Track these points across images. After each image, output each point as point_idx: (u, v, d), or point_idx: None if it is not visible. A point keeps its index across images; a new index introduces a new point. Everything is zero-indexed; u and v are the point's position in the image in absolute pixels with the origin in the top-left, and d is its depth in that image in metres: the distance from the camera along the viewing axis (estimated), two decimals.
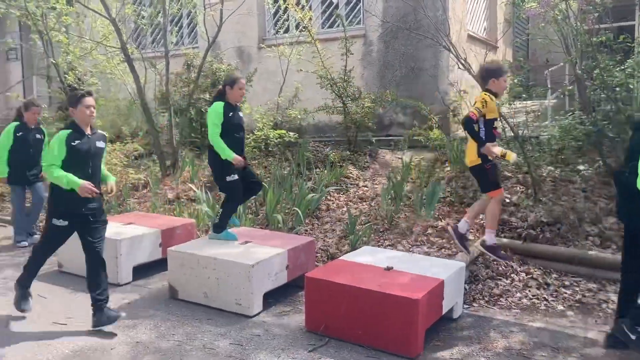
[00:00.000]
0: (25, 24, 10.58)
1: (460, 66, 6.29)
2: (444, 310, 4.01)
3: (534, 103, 8.42)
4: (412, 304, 3.56)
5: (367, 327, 3.73)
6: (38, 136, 6.64)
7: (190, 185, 7.49)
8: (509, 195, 5.92)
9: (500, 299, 4.56)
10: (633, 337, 3.44)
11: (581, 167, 6.01)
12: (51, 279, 5.26)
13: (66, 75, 9.12)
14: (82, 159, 4.02)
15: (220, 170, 4.95)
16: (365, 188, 6.93)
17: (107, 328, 4.02)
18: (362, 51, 9.06)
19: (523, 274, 4.87)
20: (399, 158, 7.57)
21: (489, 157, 4.51)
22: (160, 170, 8.23)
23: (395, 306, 3.61)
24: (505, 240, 5.25)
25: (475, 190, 6.17)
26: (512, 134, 6.10)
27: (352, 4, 9.58)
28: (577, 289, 4.67)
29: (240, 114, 5.09)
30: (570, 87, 7.48)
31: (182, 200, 7.21)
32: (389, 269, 4.12)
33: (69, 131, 4.03)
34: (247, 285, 4.31)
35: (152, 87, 9.23)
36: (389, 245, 5.50)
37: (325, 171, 7.23)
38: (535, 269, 4.92)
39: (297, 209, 6.19)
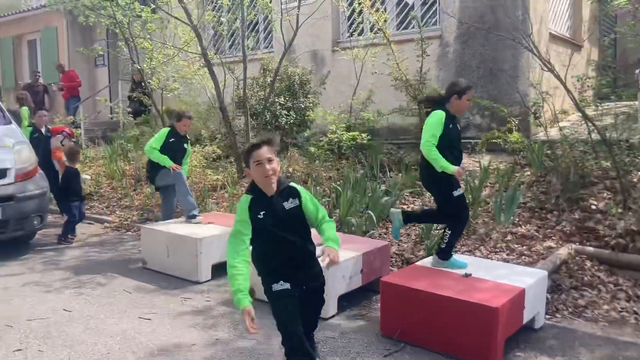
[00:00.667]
0: (112, 32, 11.16)
1: (543, 67, 6.05)
2: (525, 320, 3.86)
3: (623, 104, 7.97)
4: (492, 312, 3.45)
5: (445, 335, 3.65)
6: (185, 146, 6.57)
7: None
8: (595, 202, 5.64)
9: (586, 310, 4.34)
10: None
11: None
12: (135, 276, 5.50)
13: (150, 81, 9.52)
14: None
15: (445, 186, 4.26)
16: None
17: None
18: (438, 52, 8.92)
19: (611, 285, 4.61)
20: (476, 161, 7.38)
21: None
22: (237, 172, 8.43)
23: (474, 314, 3.52)
24: (591, 249, 5.00)
25: (558, 196, 5.93)
26: (600, 137, 5.81)
27: (427, 5, 9.45)
28: None
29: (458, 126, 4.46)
30: None
31: None
32: (467, 275, 4.02)
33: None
34: None
35: (230, 92, 9.49)
36: (467, 251, 5.37)
37: (400, 174, 7.15)
38: (625, 280, 4.65)
39: (370, 212, 6.17)
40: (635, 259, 4.77)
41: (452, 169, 4.14)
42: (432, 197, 4.78)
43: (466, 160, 7.75)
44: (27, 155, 6.43)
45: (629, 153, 6.11)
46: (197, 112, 10.63)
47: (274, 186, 2.88)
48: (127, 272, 5.61)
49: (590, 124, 5.74)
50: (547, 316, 4.26)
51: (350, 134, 8.05)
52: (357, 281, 4.65)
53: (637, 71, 7.91)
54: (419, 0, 9.62)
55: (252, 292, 4.79)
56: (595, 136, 5.99)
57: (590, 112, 6.13)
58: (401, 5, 9.85)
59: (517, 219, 5.79)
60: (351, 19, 9.92)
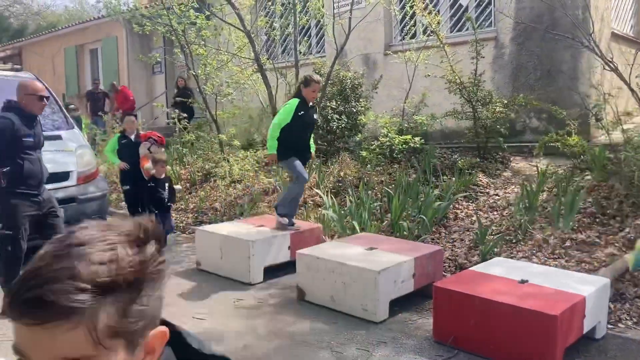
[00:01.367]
0: (168, 40, 11.48)
1: (605, 67, 5.82)
2: (586, 329, 3.71)
3: None
4: (550, 320, 3.34)
5: (500, 342, 3.55)
6: (315, 117, 6.16)
7: (316, 190, 7.64)
8: None
9: None
10: None
11: None
12: (190, 276, 5.61)
13: (204, 86, 9.72)
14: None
15: None
16: (497, 197, 6.64)
17: None
18: (493, 54, 8.73)
19: None
20: (534, 165, 7.17)
21: None
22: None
23: (532, 322, 3.40)
24: None
25: (621, 202, 5.68)
26: None
27: (482, 6, 9.28)
28: None
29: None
30: None
31: (309, 204, 7.37)
32: (523, 282, 3.90)
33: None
34: (374, 292, 4.29)
35: (282, 96, 9.58)
36: (523, 257, 5.21)
37: (453, 178, 7.03)
38: None
39: (423, 216, 6.08)
40: None
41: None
42: None
43: (523, 164, 7.55)
44: (88, 159, 6.67)
45: None
46: (249, 116, 10.79)
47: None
48: (182, 273, 5.73)
49: None
50: (609, 326, 4.08)
51: (402, 137, 7.97)
52: (409, 286, 4.59)
53: None
54: (473, 1, 9.46)
55: (303, 295, 4.82)
56: None
57: None
58: (455, 7, 9.70)
59: (577, 225, 5.58)
60: (403, 22, 9.84)
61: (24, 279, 0.73)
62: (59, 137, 6.64)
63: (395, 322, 4.33)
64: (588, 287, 3.81)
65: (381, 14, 9.74)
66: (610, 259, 4.85)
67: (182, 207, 8.63)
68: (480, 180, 7.07)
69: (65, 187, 6.20)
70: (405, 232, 5.97)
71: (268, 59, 10.02)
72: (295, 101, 5.63)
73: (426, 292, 4.62)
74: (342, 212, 6.56)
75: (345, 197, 7.23)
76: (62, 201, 6.11)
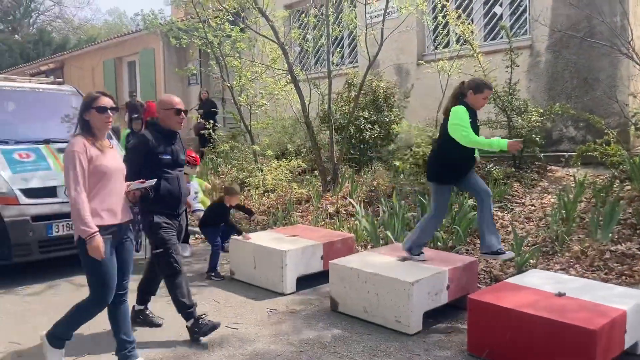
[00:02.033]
0: (204, 52, 11.68)
1: None
2: (627, 345, 3.61)
3: None
4: (589, 334, 3.26)
5: (537, 357, 3.48)
6: (478, 124, 5.01)
7: (349, 200, 7.65)
8: None
9: None
10: None
11: None
12: (224, 286, 5.67)
13: (239, 97, 9.85)
14: None
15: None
16: (532, 207, 6.53)
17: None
18: (528, 63, 8.63)
19: None
20: (571, 175, 7.03)
21: None
22: (321, 186, 8.52)
23: (570, 336, 3.33)
24: None
25: None
26: None
27: (517, 15, 9.19)
28: None
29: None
30: None
31: (341, 214, 7.38)
32: (561, 294, 3.82)
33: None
34: (407, 303, 4.27)
35: (315, 106, 9.64)
36: (560, 269, 5.11)
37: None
38: None
39: (457, 227, 6.02)
40: None
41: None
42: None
43: (559, 174, 7.42)
44: None
45: None
46: (283, 127, 10.88)
47: None
48: (216, 282, 5.79)
49: None
50: None
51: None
52: (443, 297, 4.54)
53: None
54: (507, 9, 9.38)
55: (336, 306, 4.81)
56: None
57: None
58: (489, 16, 9.63)
59: (617, 236, 5.44)
60: (436, 31, 9.81)
61: None
62: None
63: (429, 334, 4.29)
64: (629, 300, 3.71)
65: (413, 23, 9.72)
66: None
67: None
68: (516, 190, 6.96)
69: None
70: (439, 243, 5.92)
71: (301, 69, 10.10)
72: (462, 109, 4.65)
73: (460, 304, 4.57)
74: (375, 222, 6.54)
75: (378, 207, 7.22)
76: None
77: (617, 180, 6.55)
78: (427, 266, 4.64)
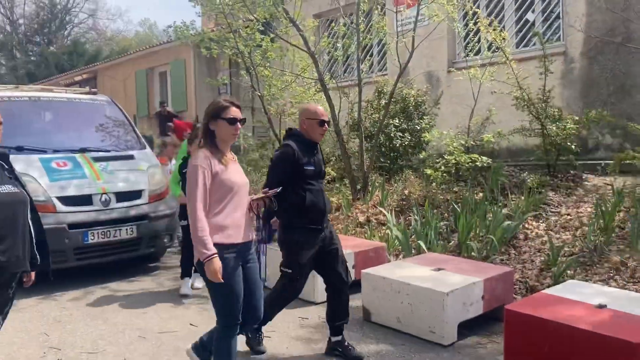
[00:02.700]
0: (235, 62, 11.80)
1: None
2: None
3: None
4: (631, 348, 3.15)
5: None
6: None
7: (380, 209, 7.60)
8: None
9: None
10: None
11: None
12: None
13: (269, 107, 9.91)
14: None
15: None
16: (568, 216, 6.39)
17: None
18: (561, 69, 8.49)
19: None
20: (608, 184, 6.87)
21: None
22: (351, 194, 8.49)
23: (612, 349, 3.23)
24: None
25: None
26: None
27: (550, 21, 9.06)
28: None
29: None
30: None
31: (372, 223, 7.34)
32: (601, 306, 3.71)
33: None
34: (441, 314, 4.21)
35: (344, 115, 9.63)
36: (599, 280, 4.97)
37: (522, 197, 6.82)
38: None
39: (492, 236, 5.92)
40: None
41: None
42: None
43: (596, 182, 7.25)
44: (159, 178, 6.93)
45: None
46: None
47: None
48: None
49: None
50: None
51: (468, 156, 7.83)
52: (478, 308, 4.47)
53: None
54: (540, 16, 9.26)
55: (368, 315, 4.76)
56: None
57: None
58: (521, 23, 9.52)
59: None
60: (467, 38, 9.73)
61: None
62: (131, 157, 6.95)
63: (464, 345, 4.22)
64: None
65: (444, 31, 9.67)
66: None
67: None
68: (551, 199, 6.83)
69: (137, 205, 6.46)
70: (473, 253, 5.83)
71: (330, 78, 10.12)
72: None
73: (496, 315, 4.48)
74: (407, 231, 6.48)
75: (409, 216, 7.16)
76: (135, 219, 6.38)
77: None
78: (462, 276, 4.57)
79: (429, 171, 7.94)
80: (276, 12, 8.77)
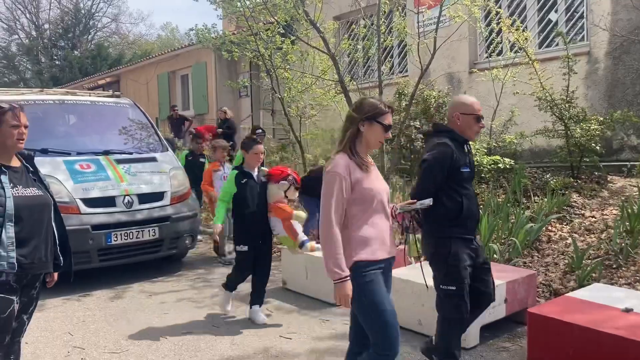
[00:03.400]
0: (255, 64, 11.87)
1: None
2: None
3: None
4: None
5: None
6: None
7: (400, 211, 7.55)
8: None
9: None
10: None
11: None
12: (276, 295, 5.69)
13: (289, 109, 9.94)
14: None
15: None
16: (593, 218, 6.29)
17: None
18: (585, 69, 8.36)
19: None
20: (634, 186, 6.74)
21: None
22: None
23: (638, 355, 3.17)
24: None
25: None
26: None
27: (573, 21, 8.93)
28: None
29: None
30: None
31: (393, 227, 7.29)
32: (627, 310, 3.64)
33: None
34: None
35: None
36: (625, 284, 4.88)
37: (545, 199, 6.73)
38: None
39: (514, 239, 5.85)
40: None
41: None
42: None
43: (621, 184, 7.13)
44: (181, 180, 6.99)
45: None
46: (332, 137, 10.89)
47: None
48: (268, 292, 5.79)
49: None
50: None
51: (491, 157, 7.75)
52: (501, 311, 4.41)
53: None
54: (563, 16, 9.14)
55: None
56: None
57: None
58: (544, 23, 9.40)
59: None
60: (489, 39, 9.65)
61: None
62: (154, 159, 7.02)
63: (486, 348, 4.17)
64: None
65: (466, 31, 9.60)
66: None
67: None
68: (575, 201, 6.73)
69: (159, 207, 6.52)
70: (495, 255, 5.76)
71: (351, 80, 10.10)
72: None
73: (518, 318, 4.43)
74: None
75: None
76: (157, 220, 6.44)
77: None
78: None
79: None
80: (297, 15, 8.79)
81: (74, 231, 5.87)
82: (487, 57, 9.73)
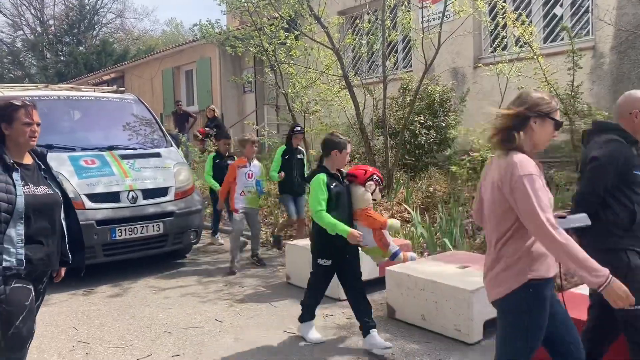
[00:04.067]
0: (259, 60, 11.86)
1: None
2: None
3: None
4: None
5: None
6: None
7: (405, 206, 7.56)
8: None
9: None
10: None
11: None
12: (280, 290, 5.71)
13: (293, 104, 9.93)
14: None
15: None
16: None
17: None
18: (590, 64, 8.32)
19: None
20: None
21: None
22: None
23: None
24: None
25: None
26: None
27: (578, 15, 8.89)
28: None
29: None
30: None
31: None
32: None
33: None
34: (467, 312, 4.17)
35: (369, 112, 9.60)
36: None
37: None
38: None
39: None
40: None
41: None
42: None
43: None
44: (185, 175, 7.00)
45: None
46: None
47: None
48: (272, 287, 5.84)
49: None
50: None
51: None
52: None
53: None
54: (568, 10, 9.09)
55: (392, 313, 4.71)
56: None
57: None
58: (548, 17, 9.36)
59: None
60: (494, 33, 9.61)
61: None
62: (158, 155, 7.04)
63: (490, 343, 4.16)
64: None
65: (470, 26, 9.56)
66: None
67: (272, 221, 8.82)
68: None
69: (164, 202, 6.54)
70: None
71: (355, 75, 10.09)
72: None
73: None
74: (432, 228, 6.44)
75: (434, 213, 7.10)
76: (161, 215, 6.46)
77: None
78: None
79: (454, 168, 7.88)
80: (301, 10, 8.78)
81: None
82: (492, 52, 9.69)
